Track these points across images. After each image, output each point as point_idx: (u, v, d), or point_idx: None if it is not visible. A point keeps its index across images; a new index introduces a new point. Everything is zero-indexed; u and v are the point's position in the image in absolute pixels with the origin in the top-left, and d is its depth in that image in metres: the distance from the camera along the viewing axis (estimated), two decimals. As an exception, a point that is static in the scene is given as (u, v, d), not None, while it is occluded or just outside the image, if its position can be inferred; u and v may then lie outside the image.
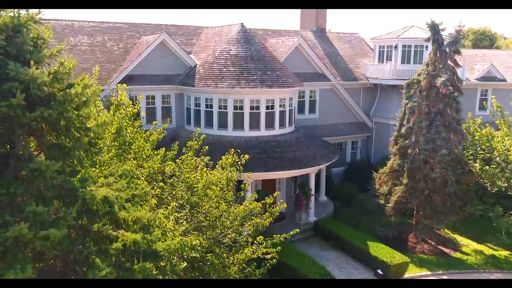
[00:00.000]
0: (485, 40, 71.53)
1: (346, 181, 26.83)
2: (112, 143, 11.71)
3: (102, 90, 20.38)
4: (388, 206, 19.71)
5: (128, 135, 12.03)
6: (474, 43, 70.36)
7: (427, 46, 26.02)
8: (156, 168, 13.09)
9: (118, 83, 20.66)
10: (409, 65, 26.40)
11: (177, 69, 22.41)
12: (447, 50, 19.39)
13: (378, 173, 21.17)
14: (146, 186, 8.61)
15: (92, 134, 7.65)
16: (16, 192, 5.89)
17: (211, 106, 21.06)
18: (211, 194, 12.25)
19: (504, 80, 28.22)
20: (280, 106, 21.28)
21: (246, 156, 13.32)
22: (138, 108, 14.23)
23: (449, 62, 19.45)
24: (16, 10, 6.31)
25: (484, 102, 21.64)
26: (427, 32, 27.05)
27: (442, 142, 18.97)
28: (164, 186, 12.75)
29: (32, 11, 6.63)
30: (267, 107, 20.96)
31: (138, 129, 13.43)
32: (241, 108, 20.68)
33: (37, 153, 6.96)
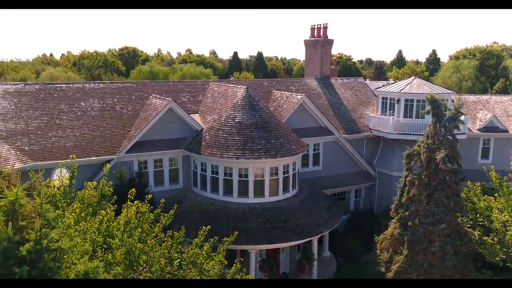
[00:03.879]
0: (491, 59, 71.59)
1: (349, 231, 27.32)
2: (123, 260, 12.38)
3: (111, 159, 21.21)
4: (389, 275, 20.24)
5: (137, 251, 12.68)
6: (480, 62, 70.45)
7: (429, 101, 26.48)
8: (163, 264, 13.80)
9: (127, 151, 21.53)
10: (412, 119, 26.89)
11: (184, 133, 23.08)
12: (447, 125, 19.85)
13: (380, 238, 21.68)
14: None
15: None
16: None
17: (217, 173, 21.73)
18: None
19: (506, 131, 28.57)
20: (284, 172, 21.90)
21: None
22: (158, 211, 14.83)
23: (448, 136, 19.92)
24: (36, 232, 6.97)
25: (484, 168, 22.03)
26: (429, 86, 27.61)
27: (441, 215, 19.48)
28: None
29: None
30: (271, 174, 21.59)
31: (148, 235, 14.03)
32: (246, 176, 21.33)
33: None
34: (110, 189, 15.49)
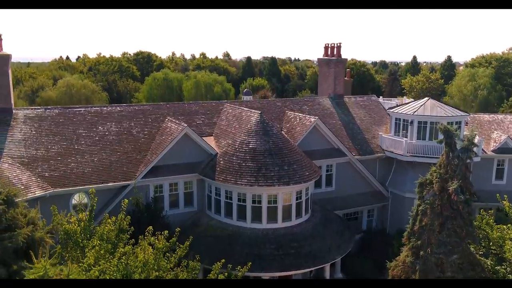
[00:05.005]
0: (508, 67, 70.88)
1: (361, 251, 27.44)
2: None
3: (128, 185, 21.76)
4: (400, 304, 20.36)
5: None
6: (496, 70, 69.81)
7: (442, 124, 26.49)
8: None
9: (143, 177, 22.06)
10: (425, 141, 26.93)
11: (199, 157, 23.47)
12: (460, 155, 19.91)
13: (392, 264, 21.81)
14: None
15: None
16: None
17: (230, 198, 22.11)
18: None
19: (521, 153, 28.42)
20: (297, 198, 22.20)
21: None
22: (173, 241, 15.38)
23: (461, 166, 19.95)
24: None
25: (498, 195, 22.06)
26: (442, 107, 27.62)
27: (454, 245, 19.57)
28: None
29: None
30: (284, 200, 21.90)
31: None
32: (259, 202, 21.67)
33: None
34: (127, 221, 15.98)
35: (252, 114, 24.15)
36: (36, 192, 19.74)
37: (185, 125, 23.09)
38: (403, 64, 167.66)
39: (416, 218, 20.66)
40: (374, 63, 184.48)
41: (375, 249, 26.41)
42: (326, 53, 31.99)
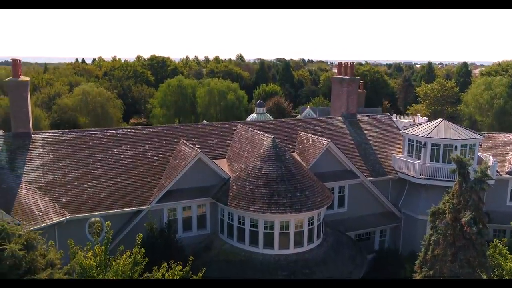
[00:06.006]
0: (525, 75, 69.68)
1: (373, 271, 27.44)
2: None
3: (142, 210, 22.15)
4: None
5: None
6: (513, 78, 68.68)
7: (456, 146, 26.42)
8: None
9: (157, 201, 22.44)
10: (438, 163, 26.83)
11: (212, 180, 23.75)
12: (473, 186, 19.83)
13: None
14: None
15: None
16: None
17: (243, 223, 22.35)
18: None
19: (536, 175, 28.09)
20: (309, 224, 22.34)
21: None
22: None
23: (473, 196, 19.89)
24: None
25: (512, 223, 22.01)
26: (456, 129, 27.44)
27: (466, 276, 19.52)
28: None
29: None
30: (296, 226, 22.07)
31: None
32: (271, 228, 21.87)
33: None
34: (141, 254, 16.34)
35: (264, 138, 24.35)
36: (54, 219, 20.24)
37: (199, 150, 23.39)
38: (418, 66, 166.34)
39: (429, 248, 20.65)
40: (389, 65, 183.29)
41: (387, 270, 26.44)
42: (339, 71, 32.03)
